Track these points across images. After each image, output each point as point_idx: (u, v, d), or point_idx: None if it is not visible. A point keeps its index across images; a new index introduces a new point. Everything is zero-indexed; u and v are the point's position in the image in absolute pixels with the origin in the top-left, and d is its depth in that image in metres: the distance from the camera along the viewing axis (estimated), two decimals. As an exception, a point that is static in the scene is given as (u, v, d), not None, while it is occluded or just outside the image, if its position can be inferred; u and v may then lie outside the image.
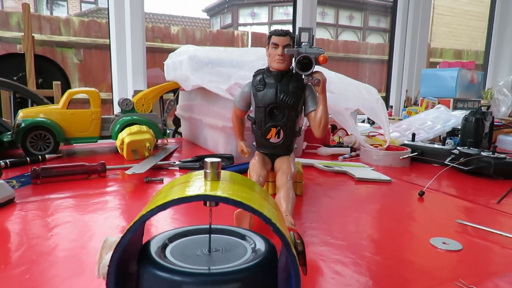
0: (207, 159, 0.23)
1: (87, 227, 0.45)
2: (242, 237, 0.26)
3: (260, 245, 0.25)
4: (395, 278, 0.34)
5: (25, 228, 0.44)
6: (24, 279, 0.32)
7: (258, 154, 0.57)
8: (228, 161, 0.77)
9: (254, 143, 0.58)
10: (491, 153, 0.74)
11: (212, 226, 0.26)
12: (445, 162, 0.77)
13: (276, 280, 0.24)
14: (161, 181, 0.65)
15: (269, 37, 0.53)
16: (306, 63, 0.51)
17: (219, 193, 0.20)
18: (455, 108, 1.51)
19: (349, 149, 0.95)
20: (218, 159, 0.23)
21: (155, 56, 2.42)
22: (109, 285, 0.20)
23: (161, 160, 0.77)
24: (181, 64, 0.93)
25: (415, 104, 1.90)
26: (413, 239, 0.44)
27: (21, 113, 0.82)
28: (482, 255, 0.40)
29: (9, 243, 0.40)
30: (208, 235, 0.25)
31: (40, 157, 0.78)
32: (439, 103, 1.40)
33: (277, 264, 0.24)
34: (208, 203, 0.22)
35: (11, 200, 0.52)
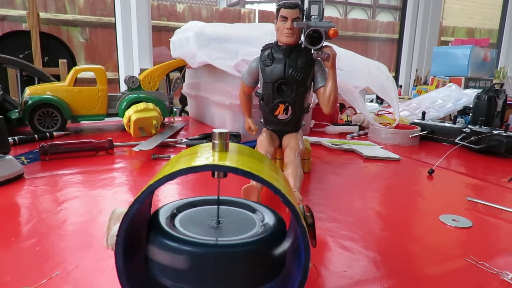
0: (215, 130, 0.22)
1: (95, 202, 0.45)
2: (251, 209, 0.26)
3: (269, 218, 0.25)
4: (404, 254, 0.34)
5: (35, 203, 0.44)
6: (35, 251, 0.32)
7: (266, 131, 0.56)
8: (235, 139, 0.76)
9: (262, 120, 0.57)
10: (503, 131, 0.72)
11: (221, 198, 0.25)
12: (456, 141, 0.75)
13: (285, 254, 0.23)
14: (168, 158, 0.65)
15: (278, 10, 0.52)
16: (315, 37, 0.50)
17: (227, 163, 0.20)
18: (466, 87, 1.48)
19: (357, 127, 0.93)
20: (226, 130, 0.22)
21: (161, 35, 2.40)
22: (117, 255, 0.20)
23: (168, 138, 0.77)
24: (188, 41, 0.91)
25: (425, 83, 1.86)
26: (422, 216, 0.44)
27: (28, 91, 0.82)
28: (493, 232, 0.39)
29: (19, 217, 0.40)
30: (216, 206, 0.25)
31: (48, 134, 0.78)
32: (450, 82, 1.36)
33: (285, 238, 0.24)
34: (216, 174, 0.22)
35: (20, 176, 0.52)
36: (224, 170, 0.20)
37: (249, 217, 0.25)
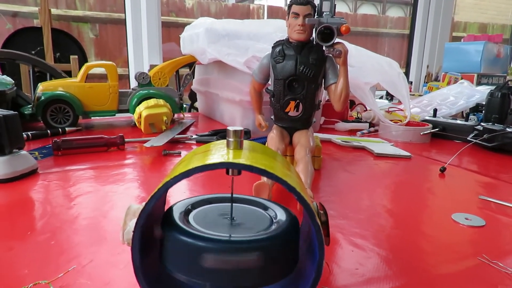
0: (230, 128, 0.22)
1: (107, 197, 0.46)
2: (263, 207, 0.26)
3: (282, 215, 0.25)
4: (415, 252, 0.34)
5: (49, 198, 0.45)
6: (50, 245, 0.33)
7: (276, 128, 0.56)
8: (245, 136, 0.76)
9: (272, 117, 0.57)
10: (517, 129, 0.71)
11: (234, 195, 0.26)
12: (468, 139, 0.74)
13: (297, 251, 0.24)
14: (179, 154, 0.65)
15: (289, 6, 0.51)
16: (327, 33, 0.50)
17: (242, 161, 0.20)
18: (479, 83, 1.46)
19: (367, 124, 0.93)
20: (241, 128, 0.22)
21: (170, 31, 2.40)
22: (134, 250, 0.21)
23: (178, 134, 0.77)
24: (198, 37, 0.91)
25: (436, 79, 1.84)
26: (434, 214, 0.43)
27: (40, 87, 0.83)
28: (506, 231, 0.39)
29: (34, 211, 0.41)
30: (230, 204, 0.25)
31: (60, 130, 0.79)
32: (462, 79, 1.35)
33: (298, 235, 0.24)
34: (230, 171, 0.22)
35: (34, 171, 0.53)
36: (240, 168, 0.20)
37: (262, 215, 0.25)
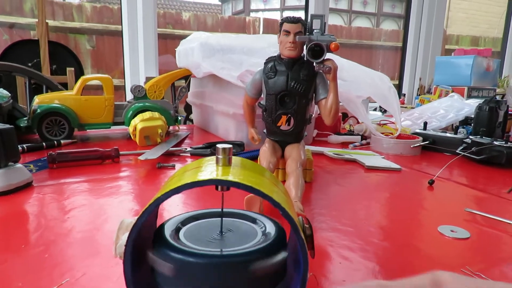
0: (219, 145, 0.23)
1: (102, 210, 0.46)
2: (253, 220, 0.27)
3: (270, 228, 0.26)
4: (402, 264, 0.35)
5: (43, 211, 0.45)
6: (44, 258, 0.34)
7: (269, 141, 0.57)
8: (238, 148, 0.77)
9: (265, 130, 0.59)
10: (504, 142, 0.73)
11: (224, 210, 0.27)
12: (457, 151, 0.76)
13: (285, 263, 0.24)
14: (173, 167, 0.66)
15: (281, 24, 0.53)
16: (317, 50, 0.51)
17: (230, 178, 0.21)
18: (469, 96, 1.48)
19: (359, 137, 0.94)
20: (230, 145, 0.23)
21: (167, 43, 2.43)
22: (126, 263, 0.21)
23: (172, 147, 0.78)
24: (193, 51, 0.93)
25: (429, 92, 1.87)
26: (421, 226, 0.44)
27: (36, 99, 0.84)
28: (490, 243, 0.40)
29: (28, 224, 0.41)
30: (220, 219, 0.26)
31: (55, 142, 0.80)
32: (452, 92, 1.37)
33: (286, 247, 0.25)
34: (219, 187, 0.23)
35: (29, 184, 0.54)
36: (227, 185, 0.21)
37: (251, 228, 0.26)
